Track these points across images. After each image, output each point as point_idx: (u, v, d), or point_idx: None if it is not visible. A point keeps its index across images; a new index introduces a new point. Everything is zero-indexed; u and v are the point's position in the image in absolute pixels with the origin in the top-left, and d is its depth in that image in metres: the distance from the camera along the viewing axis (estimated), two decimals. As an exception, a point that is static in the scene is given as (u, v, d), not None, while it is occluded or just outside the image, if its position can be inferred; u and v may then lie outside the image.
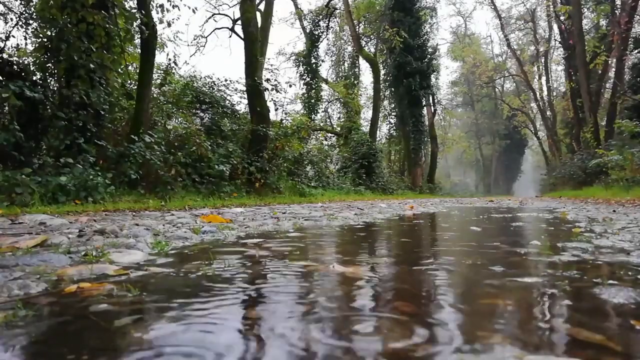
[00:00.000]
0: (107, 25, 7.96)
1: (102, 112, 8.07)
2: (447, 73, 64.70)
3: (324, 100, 29.35)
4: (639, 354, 0.78)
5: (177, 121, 11.98)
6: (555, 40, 33.86)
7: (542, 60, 36.48)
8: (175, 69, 14.16)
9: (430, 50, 28.52)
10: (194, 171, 9.93)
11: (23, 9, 8.54)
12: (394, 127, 31.02)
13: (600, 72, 23.09)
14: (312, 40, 27.59)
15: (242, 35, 14.57)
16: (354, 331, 0.88)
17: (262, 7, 17.68)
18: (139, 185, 8.23)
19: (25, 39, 8.63)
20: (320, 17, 27.75)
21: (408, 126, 27.11)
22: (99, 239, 2.32)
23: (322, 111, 29.66)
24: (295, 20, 30.01)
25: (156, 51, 10.45)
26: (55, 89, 8.04)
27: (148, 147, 8.59)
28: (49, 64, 7.97)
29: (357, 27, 26.84)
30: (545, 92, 37.45)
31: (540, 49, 35.62)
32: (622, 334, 0.86)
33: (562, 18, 26.23)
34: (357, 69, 30.54)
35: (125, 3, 9.23)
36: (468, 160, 61.27)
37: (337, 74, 32.16)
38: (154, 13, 9.59)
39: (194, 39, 23.23)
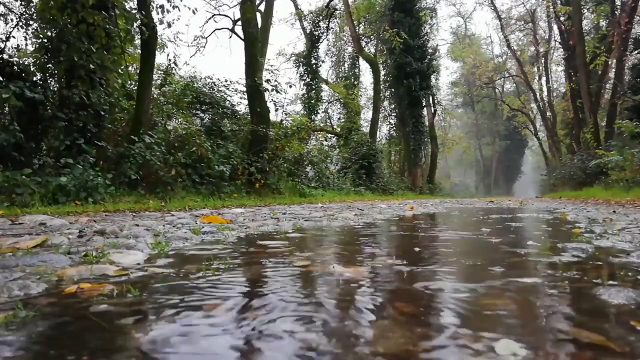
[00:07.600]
0: (108, 26, 7.96)
1: (102, 113, 8.06)
2: (447, 74, 64.30)
3: (324, 100, 29.38)
4: (639, 354, 0.77)
5: (177, 122, 11.98)
6: (555, 41, 33.89)
7: (542, 61, 36.46)
8: (175, 69, 14.22)
9: (430, 50, 28.54)
10: (194, 172, 9.93)
11: (23, 9, 8.54)
12: (394, 128, 31.04)
13: (600, 72, 23.08)
14: (312, 41, 27.62)
15: (242, 36, 14.61)
16: (354, 331, 0.88)
17: (262, 7, 17.72)
18: (139, 185, 8.23)
19: (26, 39, 8.64)
20: (321, 17, 27.78)
21: (408, 127, 27.11)
22: (99, 239, 2.32)
23: (322, 112, 29.70)
24: (295, 20, 30.06)
25: (156, 52, 10.47)
26: (56, 89, 8.04)
27: (148, 147, 8.59)
28: (49, 65, 7.97)
29: (357, 27, 26.85)
30: (545, 93, 37.44)
31: (540, 49, 35.61)
32: (622, 334, 0.86)
33: (562, 19, 26.24)
34: (357, 70, 30.57)
35: (126, 4, 9.24)
36: (468, 161, 61.29)
37: (337, 75, 32.19)
38: (154, 14, 9.60)
39: (194, 40, 23.34)
